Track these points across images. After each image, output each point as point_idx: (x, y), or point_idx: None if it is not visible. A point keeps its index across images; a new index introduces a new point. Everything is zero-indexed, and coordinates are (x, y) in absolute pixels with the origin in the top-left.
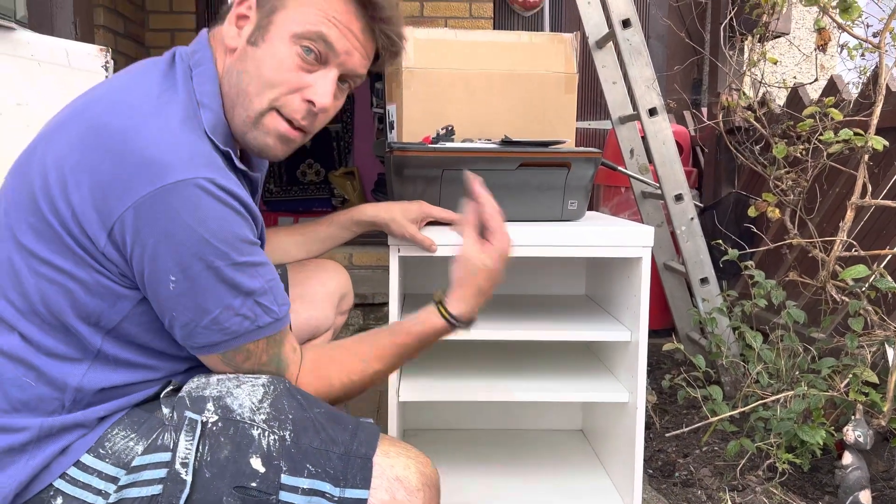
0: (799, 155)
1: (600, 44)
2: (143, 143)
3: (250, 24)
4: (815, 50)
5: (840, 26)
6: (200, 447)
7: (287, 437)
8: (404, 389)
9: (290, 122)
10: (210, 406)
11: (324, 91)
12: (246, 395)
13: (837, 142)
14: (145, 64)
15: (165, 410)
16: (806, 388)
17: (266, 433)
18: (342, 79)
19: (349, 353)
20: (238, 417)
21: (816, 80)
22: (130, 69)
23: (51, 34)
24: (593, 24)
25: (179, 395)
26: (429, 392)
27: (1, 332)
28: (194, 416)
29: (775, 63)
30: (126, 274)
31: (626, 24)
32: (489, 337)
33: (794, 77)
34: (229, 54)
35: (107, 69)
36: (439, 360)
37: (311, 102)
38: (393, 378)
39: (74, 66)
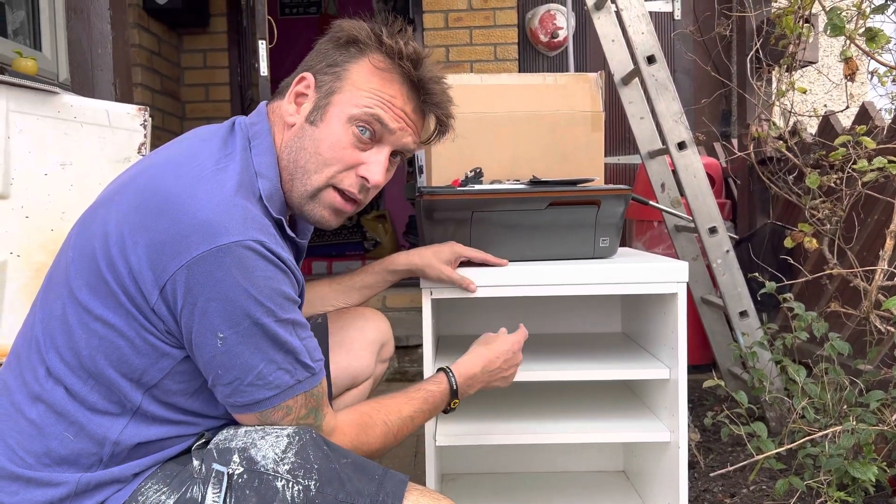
0: (833, 184)
1: (626, 80)
2: (198, 206)
3: (309, 103)
4: (844, 79)
5: (867, 54)
6: (227, 499)
7: (312, 486)
8: (441, 434)
9: (344, 194)
10: (236, 458)
11: (376, 169)
12: (269, 447)
13: (872, 170)
14: (206, 131)
15: (195, 463)
16: (854, 422)
17: (290, 484)
18: (394, 153)
19: (382, 412)
20: (262, 469)
21: (847, 107)
22: (192, 135)
23: (92, 95)
24: (618, 62)
25: (208, 447)
26: (466, 436)
27: (48, 385)
28: (221, 469)
29: (804, 92)
30: (172, 332)
31: (650, 59)
32: (526, 378)
33: (825, 105)
34: (287, 129)
35: (145, 127)
36: (476, 403)
37: (364, 178)
38: (429, 422)
39: (115, 126)
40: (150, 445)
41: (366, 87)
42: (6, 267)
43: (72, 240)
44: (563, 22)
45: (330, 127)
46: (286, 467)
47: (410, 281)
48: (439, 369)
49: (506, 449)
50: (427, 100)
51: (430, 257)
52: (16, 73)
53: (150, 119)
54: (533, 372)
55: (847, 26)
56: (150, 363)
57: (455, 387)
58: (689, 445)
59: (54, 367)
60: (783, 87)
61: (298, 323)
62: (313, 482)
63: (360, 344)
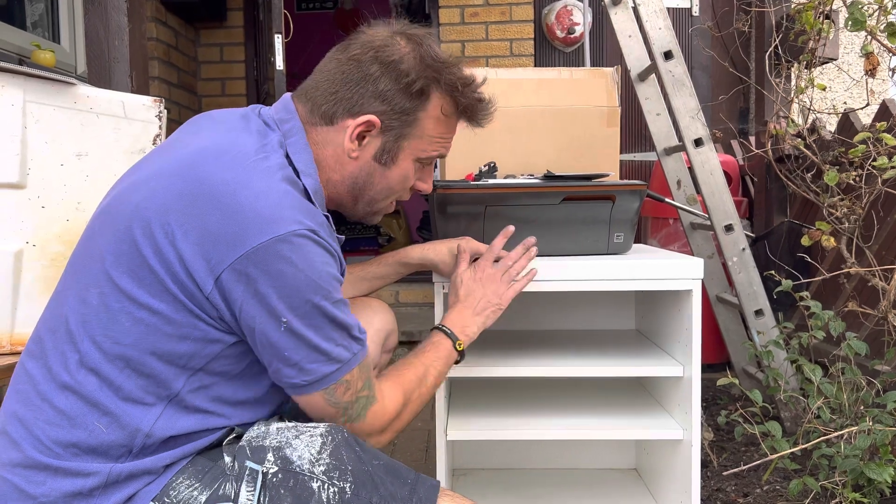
0: (852, 182)
1: (643, 76)
2: (253, 197)
3: (375, 142)
4: (865, 75)
5: (889, 50)
6: (262, 498)
7: (347, 489)
8: (452, 428)
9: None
10: (270, 456)
11: (430, 183)
12: (305, 447)
13: (892, 167)
14: (233, 119)
15: (227, 459)
16: (871, 423)
17: (326, 485)
18: None
19: (410, 371)
20: (298, 469)
21: (868, 104)
22: (210, 123)
23: (108, 87)
24: (635, 58)
25: (240, 444)
26: (478, 431)
27: (80, 375)
28: (255, 467)
29: (824, 89)
30: (224, 318)
31: (667, 55)
32: (539, 374)
33: (845, 103)
34: (350, 162)
35: (160, 118)
36: (488, 397)
37: (420, 191)
38: (441, 417)
39: (130, 117)
40: (181, 437)
41: (434, 133)
42: (22, 256)
43: (100, 227)
44: (580, 17)
45: (401, 168)
46: (321, 468)
47: (424, 276)
48: (433, 328)
49: (517, 444)
50: (475, 126)
51: (445, 253)
52: (35, 66)
53: (165, 110)
54: (546, 368)
55: (868, 21)
56: (198, 348)
57: (450, 332)
58: (703, 444)
59: (88, 356)
60: (802, 84)
61: (345, 301)
62: (348, 484)
63: (368, 334)
